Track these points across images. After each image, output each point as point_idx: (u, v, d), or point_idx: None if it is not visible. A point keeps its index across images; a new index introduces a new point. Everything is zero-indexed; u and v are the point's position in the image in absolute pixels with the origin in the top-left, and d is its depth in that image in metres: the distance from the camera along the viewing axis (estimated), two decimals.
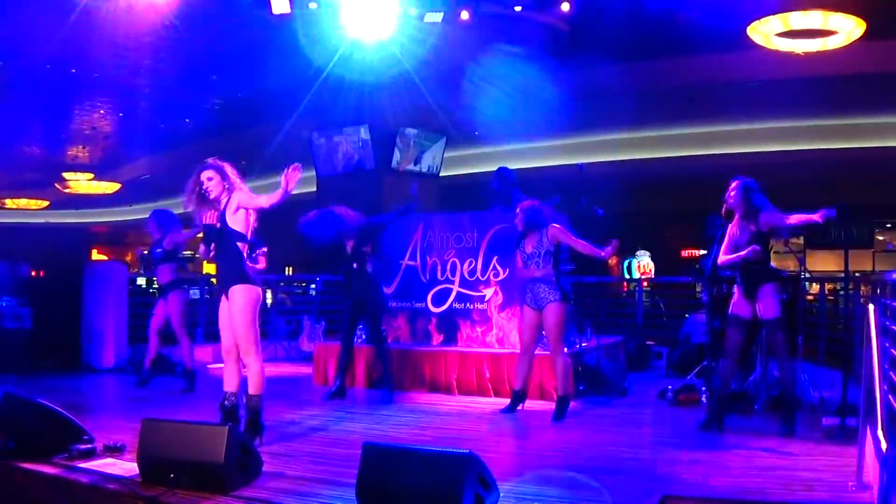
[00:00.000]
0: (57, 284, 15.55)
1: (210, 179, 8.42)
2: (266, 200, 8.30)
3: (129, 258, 38.43)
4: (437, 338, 12.64)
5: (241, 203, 8.38)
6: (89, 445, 7.55)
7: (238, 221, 8.40)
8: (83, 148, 29.22)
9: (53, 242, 32.22)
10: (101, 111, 24.14)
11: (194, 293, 16.08)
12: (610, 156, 24.62)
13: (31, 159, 30.40)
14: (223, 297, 8.48)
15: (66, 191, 34.29)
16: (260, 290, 8.47)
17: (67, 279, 13.84)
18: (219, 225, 8.36)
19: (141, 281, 18.03)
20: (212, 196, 8.37)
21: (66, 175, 32.51)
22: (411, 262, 13.02)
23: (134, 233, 41.36)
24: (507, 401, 10.57)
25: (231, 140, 26.37)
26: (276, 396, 11.71)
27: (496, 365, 11.60)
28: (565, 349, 10.26)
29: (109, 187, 34.18)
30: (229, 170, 8.53)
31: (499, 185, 12.96)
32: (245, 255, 8.42)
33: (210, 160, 8.60)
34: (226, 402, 8.53)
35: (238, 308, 8.28)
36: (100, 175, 32.89)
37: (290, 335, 16.94)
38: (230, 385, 8.57)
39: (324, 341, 14.43)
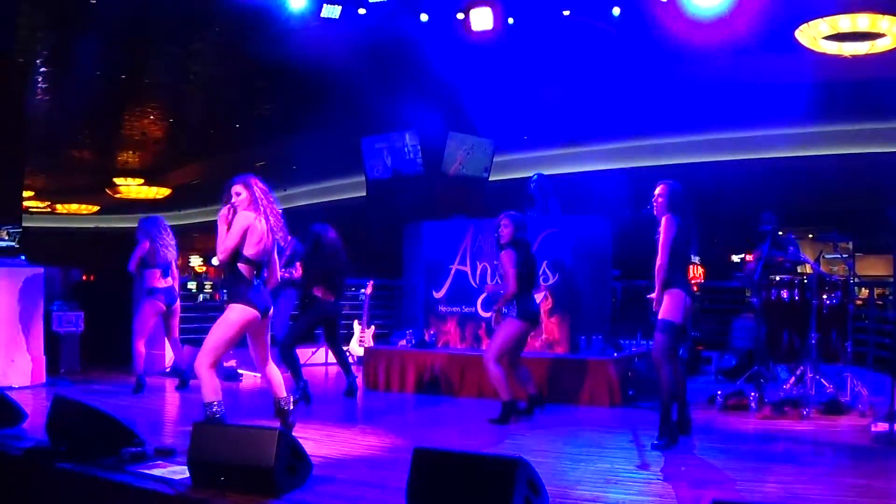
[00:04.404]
0: (108, 288, 15.66)
1: (238, 194, 8.37)
2: (221, 248, 8.28)
3: (179, 262, 38.58)
4: (487, 342, 12.63)
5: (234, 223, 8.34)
6: (140, 448, 7.56)
7: (246, 242, 8.35)
8: (133, 153, 29.40)
9: (104, 247, 32.49)
10: (152, 116, 24.28)
11: None
12: (658, 160, 24.47)
13: (81, 164, 30.63)
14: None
15: (117, 195, 34.49)
16: (256, 313, 8.29)
17: (118, 283, 13.93)
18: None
19: (192, 285, 18.10)
20: (240, 211, 8.33)
21: (116, 180, 32.70)
22: (461, 267, 13.03)
23: (181, 238, 41.64)
24: (560, 405, 10.74)
25: (281, 145, 26.48)
26: (325, 401, 11.79)
27: (547, 370, 11.56)
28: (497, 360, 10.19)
29: (160, 192, 34.37)
30: (257, 189, 8.49)
31: (537, 192, 13.00)
32: (248, 276, 8.34)
33: (241, 177, 8.56)
34: (281, 405, 8.64)
35: (225, 321, 8.25)
36: (150, 180, 33.08)
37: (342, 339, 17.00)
38: (276, 391, 8.65)
39: (374, 345, 14.45)
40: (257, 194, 8.41)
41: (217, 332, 8.25)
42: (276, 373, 8.73)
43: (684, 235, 8.88)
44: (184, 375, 12.74)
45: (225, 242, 8.21)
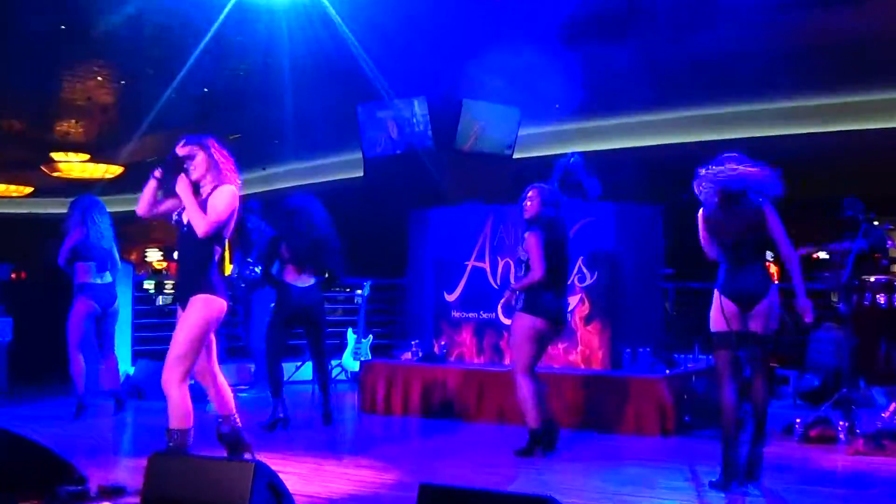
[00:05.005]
0: (44, 289, 15.63)
1: (192, 157, 8.27)
2: (207, 220, 8.16)
3: (134, 257, 38.40)
4: (509, 354, 12.57)
5: (210, 203, 8.25)
6: (81, 487, 7.54)
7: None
8: (76, 122, 29.32)
9: (39, 238, 32.47)
10: (99, 78, 24.21)
11: None
12: (720, 133, 24.30)
13: (10, 136, 30.55)
14: (179, 310, 8.42)
15: (56, 174, 34.32)
16: (225, 304, 8.31)
17: (56, 283, 13.91)
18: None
19: (149, 285, 18.13)
20: (194, 177, 8.22)
21: (54, 155, 32.57)
22: (479, 264, 13.01)
23: (138, 227, 41.39)
24: (598, 433, 10.96)
25: (258, 115, 26.43)
26: (312, 426, 11.79)
27: (581, 389, 11.54)
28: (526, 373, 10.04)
29: (109, 171, 34.19)
30: (215, 152, 8.42)
31: (574, 175, 12.94)
32: (216, 260, 8.28)
33: (193, 136, 8.47)
34: (221, 429, 8.54)
35: (191, 319, 8.14)
36: (97, 156, 32.97)
37: (332, 351, 16.93)
38: (221, 407, 8.57)
39: (372, 359, 14.45)
40: (217, 157, 8.32)
41: (181, 334, 8.14)
42: (226, 386, 8.65)
43: (725, 222, 8.61)
44: (119, 395, 12.69)
45: (210, 217, 8.10)
